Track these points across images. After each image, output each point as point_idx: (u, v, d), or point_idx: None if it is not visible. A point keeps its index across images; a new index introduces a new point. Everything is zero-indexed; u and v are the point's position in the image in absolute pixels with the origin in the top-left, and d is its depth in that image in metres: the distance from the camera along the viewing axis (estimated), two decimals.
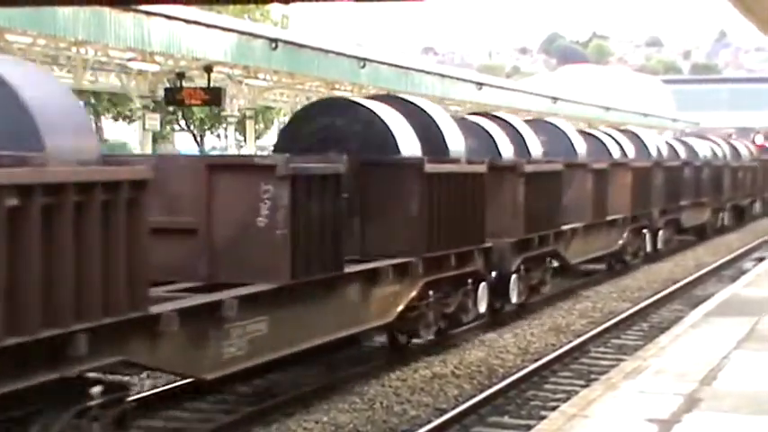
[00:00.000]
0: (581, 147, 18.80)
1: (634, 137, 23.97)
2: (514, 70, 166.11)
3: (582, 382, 11.01)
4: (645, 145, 23.87)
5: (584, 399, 8.27)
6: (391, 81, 29.35)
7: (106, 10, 18.72)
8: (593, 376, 11.23)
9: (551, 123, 19.25)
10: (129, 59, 24.25)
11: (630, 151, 22.28)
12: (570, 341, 13.41)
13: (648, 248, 22.20)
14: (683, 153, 26.92)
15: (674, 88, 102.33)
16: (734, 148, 34.12)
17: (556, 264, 16.55)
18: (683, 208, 25.30)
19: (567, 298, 17.26)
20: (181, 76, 25.73)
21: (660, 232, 22.90)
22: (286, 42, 24.07)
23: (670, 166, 24.22)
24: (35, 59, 23.23)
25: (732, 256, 24.37)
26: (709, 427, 7.39)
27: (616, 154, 21.02)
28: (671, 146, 26.89)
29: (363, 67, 27.24)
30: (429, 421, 9.39)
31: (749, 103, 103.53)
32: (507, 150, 15.10)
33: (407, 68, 30.51)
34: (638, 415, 7.66)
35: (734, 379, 8.93)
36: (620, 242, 20.13)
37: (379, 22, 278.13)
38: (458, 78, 34.73)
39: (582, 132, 20.84)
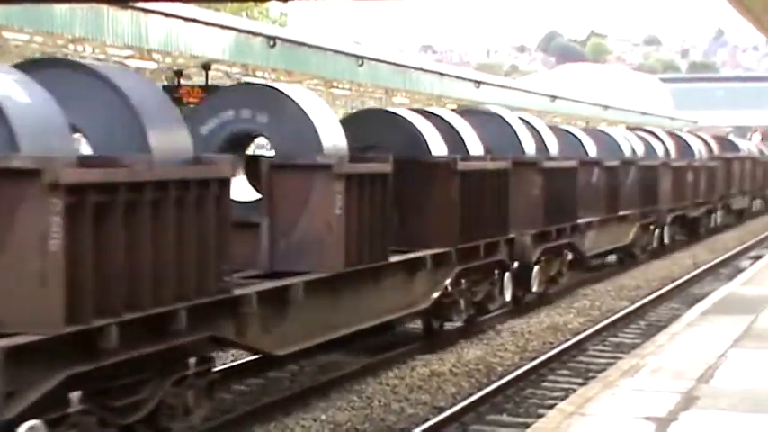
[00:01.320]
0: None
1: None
2: (513, 69, 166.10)
3: (580, 381, 11.03)
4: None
5: (581, 397, 8.28)
6: (389, 79, 29.37)
7: (104, 7, 18.71)
8: (590, 374, 11.25)
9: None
10: (127, 57, 24.21)
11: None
12: (568, 339, 13.43)
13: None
14: (592, 150, 19.94)
15: (671, 87, 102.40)
16: (684, 143, 27.42)
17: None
18: (583, 228, 17.76)
19: (565, 296, 17.27)
20: (179, 73, 25.71)
21: (535, 268, 15.17)
22: (284, 40, 24.06)
23: (552, 167, 15.79)
24: (32, 57, 23.21)
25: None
26: (707, 425, 7.40)
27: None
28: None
29: (362, 65, 27.23)
30: (427, 419, 9.40)
31: (747, 102, 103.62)
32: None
33: (406, 67, 30.51)
34: (636, 413, 7.67)
35: (731, 377, 8.95)
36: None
37: (377, 20, 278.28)
38: (456, 77, 34.74)
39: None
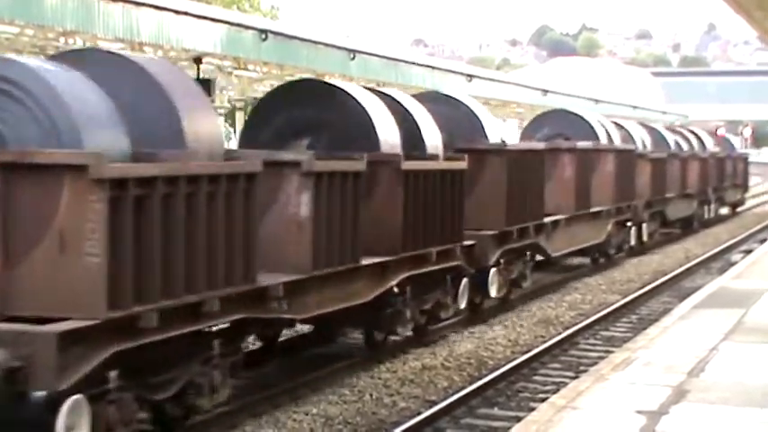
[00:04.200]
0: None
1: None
2: (504, 62, 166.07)
3: (571, 374, 11.04)
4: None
5: (573, 390, 8.30)
6: (381, 73, 29.32)
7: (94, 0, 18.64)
8: (582, 368, 11.26)
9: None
10: (119, 50, 24.12)
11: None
12: (559, 333, 13.44)
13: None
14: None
15: (663, 81, 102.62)
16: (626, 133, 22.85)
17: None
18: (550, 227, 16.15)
19: (557, 290, 17.29)
20: (198, 61, 25.57)
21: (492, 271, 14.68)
22: (276, 34, 24.00)
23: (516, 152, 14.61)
24: (23, 50, 23.11)
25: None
26: (697, 419, 7.42)
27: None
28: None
29: (353, 58, 27.18)
30: (419, 413, 9.40)
31: (738, 96, 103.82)
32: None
33: (397, 60, 30.47)
34: (627, 406, 7.68)
35: (722, 370, 8.97)
36: None
37: (369, 13, 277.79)
38: (448, 70, 34.70)
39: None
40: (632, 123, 25.50)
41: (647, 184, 22.78)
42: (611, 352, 11.01)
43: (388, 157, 10.79)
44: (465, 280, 12.59)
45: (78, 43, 23.91)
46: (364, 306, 10.27)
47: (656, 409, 7.59)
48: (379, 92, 12.37)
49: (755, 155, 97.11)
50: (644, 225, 22.63)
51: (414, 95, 14.16)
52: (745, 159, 37.82)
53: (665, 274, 19.31)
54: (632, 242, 21.78)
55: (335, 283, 9.65)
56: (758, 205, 41.40)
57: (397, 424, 9.02)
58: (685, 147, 28.35)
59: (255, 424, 9.02)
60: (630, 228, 21.36)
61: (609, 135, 20.60)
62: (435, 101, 13.94)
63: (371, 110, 10.98)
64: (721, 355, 9.61)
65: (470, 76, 35.79)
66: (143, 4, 19.70)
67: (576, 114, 20.48)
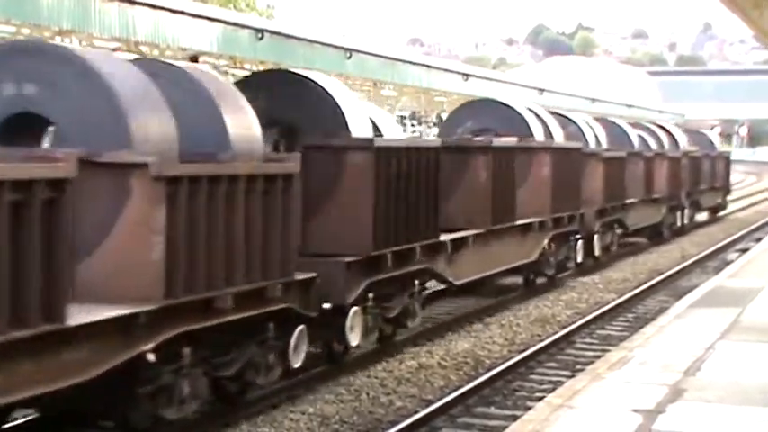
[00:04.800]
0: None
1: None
2: (501, 61, 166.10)
3: (567, 373, 11.05)
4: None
5: (569, 389, 8.30)
6: (377, 72, 29.34)
7: None
8: (578, 367, 11.26)
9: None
10: (114, 49, 24.08)
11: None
12: (556, 332, 13.46)
13: None
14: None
15: (659, 80, 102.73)
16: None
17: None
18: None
19: (553, 289, 17.30)
20: (194, 59, 25.57)
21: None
22: (272, 33, 24.01)
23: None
24: None
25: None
26: (694, 417, 7.43)
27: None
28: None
29: (350, 57, 27.20)
30: (415, 412, 9.41)
31: (734, 95, 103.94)
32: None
33: (394, 59, 30.49)
34: (624, 405, 7.69)
35: (718, 369, 8.98)
36: None
37: (365, 12, 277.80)
38: (444, 69, 34.74)
39: None
40: (586, 117, 21.73)
41: (600, 189, 19.18)
42: (608, 351, 11.01)
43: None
44: (300, 329, 9.25)
45: (75, 42, 23.89)
46: None
47: (652, 408, 7.60)
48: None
49: (750, 154, 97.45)
50: (596, 237, 19.12)
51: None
52: (726, 159, 34.25)
53: (661, 273, 19.33)
54: (579, 258, 18.02)
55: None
56: (746, 206, 40.77)
57: (394, 423, 9.03)
58: (653, 144, 24.95)
59: (252, 423, 9.02)
60: (577, 241, 17.90)
61: (548, 130, 17.13)
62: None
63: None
64: (717, 354, 9.62)
65: (467, 76, 35.82)
66: (139, 3, 19.70)
67: (506, 105, 16.83)
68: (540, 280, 17.00)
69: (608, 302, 15.95)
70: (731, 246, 25.43)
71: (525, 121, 16.39)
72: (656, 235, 24.92)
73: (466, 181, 13.47)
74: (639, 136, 24.22)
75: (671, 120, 60.73)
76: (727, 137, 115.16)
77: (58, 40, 23.34)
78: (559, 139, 17.43)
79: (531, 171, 15.64)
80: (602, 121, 23.10)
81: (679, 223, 26.73)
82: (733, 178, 64.03)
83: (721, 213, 33.93)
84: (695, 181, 28.40)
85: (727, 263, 20.21)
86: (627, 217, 21.40)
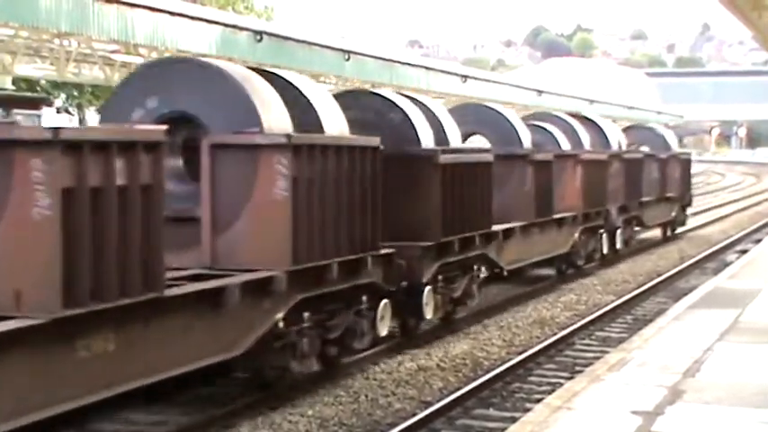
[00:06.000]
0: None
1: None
2: (499, 63, 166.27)
3: (566, 375, 11.04)
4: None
5: (568, 391, 8.30)
6: (376, 73, 29.37)
7: (89, 1, 18.64)
8: (577, 368, 11.26)
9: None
10: (113, 51, 24.13)
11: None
12: (555, 333, 13.45)
13: None
14: None
15: (658, 81, 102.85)
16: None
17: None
18: None
19: (552, 290, 17.30)
20: None
21: None
22: (271, 35, 24.04)
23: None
24: (17, 51, 23.07)
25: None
26: (693, 419, 7.43)
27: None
28: None
29: (348, 59, 27.23)
30: (414, 414, 9.40)
31: (733, 96, 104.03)
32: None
33: (392, 61, 30.52)
34: (623, 407, 7.69)
35: (717, 371, 8.98)
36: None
37: (363, 14, 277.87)
38: (442, 71, 34.78)
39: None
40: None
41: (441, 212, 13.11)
42: (607, 352, 11.01)
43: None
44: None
45: (73, 45, 23.89)
46: None
47: (651, 410, 7.60)
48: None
49: (750, 155, 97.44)
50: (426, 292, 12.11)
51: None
52: (685, 161, 27.14)
53: (660, 275, 19.34)
54: (429, 315, 12.23)
55: None
56: (747, 207, 40.70)
57: (393, 425, 9.02)
58: (564, 143, 18.43)
59: (252, 425, 9.01)
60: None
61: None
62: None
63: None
64: (717, 356, 9.62)
65: (465, 77, 35.84)
66: (138, 6, 19.71)
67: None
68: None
69: (607, 304, 15.94)
70: (730, 247, 25.42)
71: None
72: (571, 267, 18.49)
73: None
74: (543, 131, 18.21)
75: (670, 121, 60.62)
76: (726, 138, 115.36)
77: (56, 43, 23.37)
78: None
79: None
80: (478, 105, 18.25)
81: (606, 249, 19.69)
82: (732, 179, 63.94)
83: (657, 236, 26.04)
84: (634, 191, 21.68)
85: (727, 264, 20.20)
86: (503, 252, 14.74)
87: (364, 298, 10.35)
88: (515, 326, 14.09)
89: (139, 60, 24.65)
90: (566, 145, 18.71)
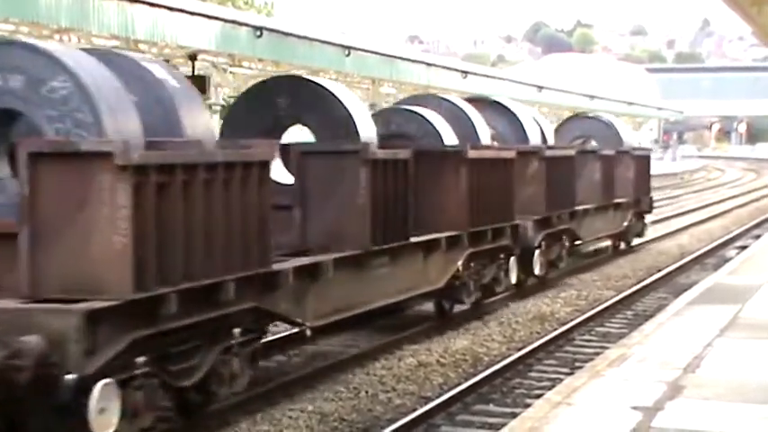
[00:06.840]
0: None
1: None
2: (499, 59, 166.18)
3: (566, 370, 11.05)
4: None
5: (568, 386, 8.30)
6: (376, 69, 29.33)
7: None
8: (577, 364, 11.27)
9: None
10: (113, 47, 24.06)
11: None
12: (555, 329, 13.46)
13: None
14: None
15: (658, 77, 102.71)
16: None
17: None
18: None
19: (552, 286, 17.30)
20: (192, 58, 25.52)
21: None
22: (271, 30, 23.98)
23: None
24: None
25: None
26: (693, 415, 7.43)
27: None
28: None
29: (348, 55, 27.18)
30: (414, 410, 9.40)
31: (732, 92, 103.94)
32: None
33: (393, 57, 30.47)
34: (623, 402, 7.69)
35: (717, 367, 8.98)
36: None
37: (364, 10, 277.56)
38: (443, 67, 34.72)
39: None
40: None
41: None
42: (607, 348, 11.01)
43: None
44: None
45: (73, 41, 23.86)
46: None
47: (651, 405, 7.60)
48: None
49: (750, 150, 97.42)
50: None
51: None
52: (642, 159, 22.38)
53: (660, 270, 19.34)
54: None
55: None
56: (746, 203, 40.60)
57: (393, 421, 9.03)
58: (448, 137, 13.64)
59: (251, 421, 9.02)
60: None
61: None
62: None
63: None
64: (716, 351, 9.62)
65: (465, 73, 35.81)
66: (138, 1, 19.68)
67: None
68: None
69: (607, 299, 15.95)
70: (731, 242, 25.42)
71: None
72: (441, 310, 13.79)
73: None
74: (417, 118, 13.62)
75: (670, 117, 60.51)
76: (726, 133, 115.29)
77: (56, 39, 23.33)
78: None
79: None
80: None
81: (515, 278, 14.93)
82: (732, 175, 63.83)
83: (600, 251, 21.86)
84: (560, 198, 16.88)
85: (727, 260, 20.20)
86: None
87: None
88: (515, 321, 14.09)
89: (139, 56, 24.62)
90: (450, 138, 13.72)
